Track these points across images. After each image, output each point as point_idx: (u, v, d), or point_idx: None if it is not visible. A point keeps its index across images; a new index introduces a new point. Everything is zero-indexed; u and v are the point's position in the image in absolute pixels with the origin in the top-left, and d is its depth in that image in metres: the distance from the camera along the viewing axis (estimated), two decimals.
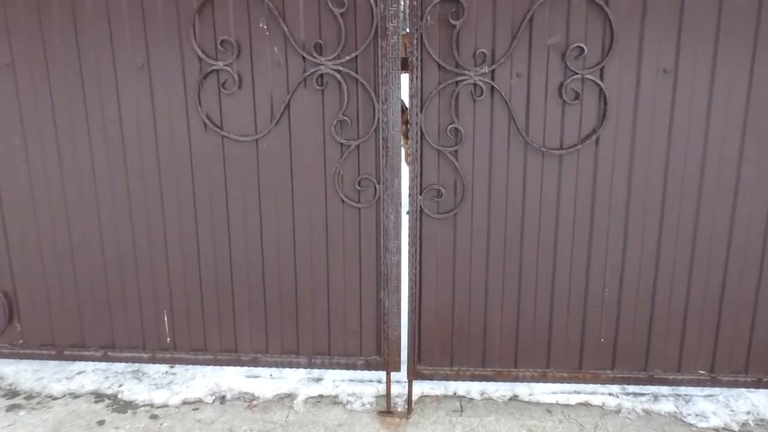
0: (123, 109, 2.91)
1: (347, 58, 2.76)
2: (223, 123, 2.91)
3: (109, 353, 3.23)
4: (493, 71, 2.76)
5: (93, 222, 3.06)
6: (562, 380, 3.06)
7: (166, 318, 3.17)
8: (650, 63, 2.70)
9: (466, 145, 2.86)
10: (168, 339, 3.19)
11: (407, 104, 2.65)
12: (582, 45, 2.68)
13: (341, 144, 2.90)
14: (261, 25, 2.77)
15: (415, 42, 2.72)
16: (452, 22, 2.68)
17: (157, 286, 3.14)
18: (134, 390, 3.29)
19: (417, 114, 2.81)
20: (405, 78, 2.79)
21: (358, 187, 2.93)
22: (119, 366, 3.54)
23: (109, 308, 3.19)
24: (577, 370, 3.05)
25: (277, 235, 3.03)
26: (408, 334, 3.08)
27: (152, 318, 3.18)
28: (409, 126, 2.70)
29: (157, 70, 2.86)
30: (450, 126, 2.82)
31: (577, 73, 2.71)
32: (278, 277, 3.08)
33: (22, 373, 3.47)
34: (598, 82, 2.72)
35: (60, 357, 3.26)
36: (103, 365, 3.51)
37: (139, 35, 2.81)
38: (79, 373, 3.48)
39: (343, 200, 2.96)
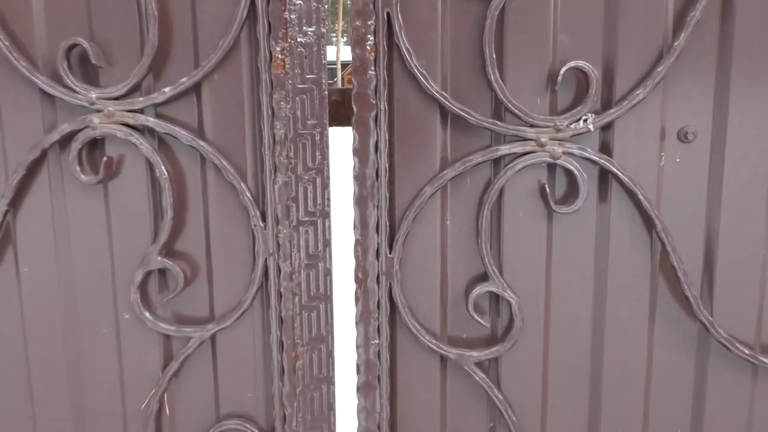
0: None
1: (169, 92, 0.91)
2: None
3: None
4: (609, 127, 0.92)
5: None
6: None
7: None
8: None
9: (526, 347, 0.98)
10: None
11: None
12: None
13: (163, 336, 1.01)
14: None
15: (369, 42, 0.89)
16: None
17: None
18: None
19: (381, 255, 0.94)
20: (344, 140, 0.87)
21: None
22: None
23: None
24: None
25: None
26: None
27: None
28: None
29: None
30: (478, 290, 0.94)
31: None
32: None
33: None
34: None
35: None
36: None
37: None
38: None
39: None
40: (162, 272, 0.99)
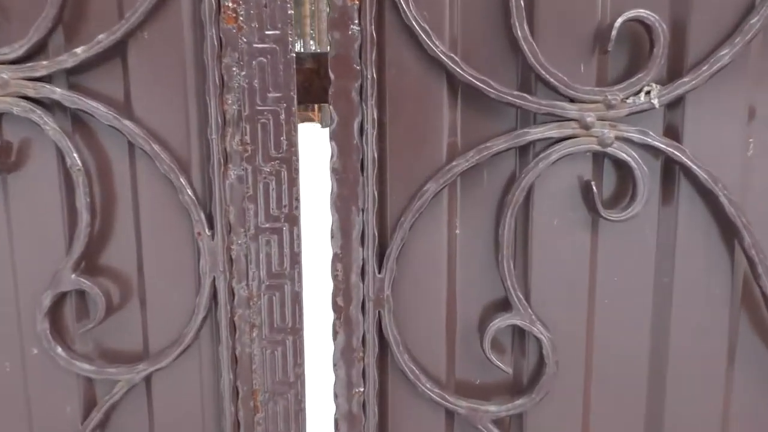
0: None
1: (83, 54, 0.67)
2: None
3: None
4: (679, 103, 0.67)
5: None
6: None
7: None
8: None
9: (561, 399, 0.73)
10: None
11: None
12: None
13: (83, 378, 0.77)
14: None
15: None
16: None
17: None
18: None
19: (368, 274, 0.70)
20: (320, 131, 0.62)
21: None
22: None
23: None
24: None
25: None
26: None
27: None
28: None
29: None
30: (498, 323, 0.70)
31: None
32: None
33: None
34: None
35: None
36: None
37: None
38: None
39: None
40: (81, 294, 0.76)
